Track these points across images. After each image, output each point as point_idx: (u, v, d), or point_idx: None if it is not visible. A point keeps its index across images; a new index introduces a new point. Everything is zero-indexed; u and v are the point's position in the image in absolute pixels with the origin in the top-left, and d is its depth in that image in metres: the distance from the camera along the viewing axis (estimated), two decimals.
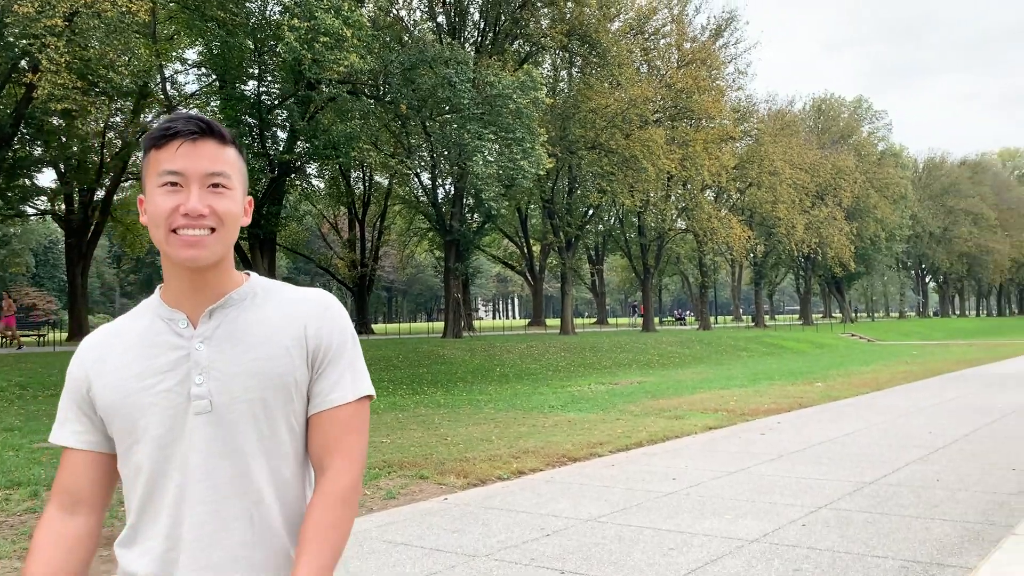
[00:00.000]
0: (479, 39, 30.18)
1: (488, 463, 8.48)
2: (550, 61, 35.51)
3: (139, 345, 1.47)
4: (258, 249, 25.51)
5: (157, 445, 1.43)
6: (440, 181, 31.51)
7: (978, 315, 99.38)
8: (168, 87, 26.35)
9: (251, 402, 1.43)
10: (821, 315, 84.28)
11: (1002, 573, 4.68)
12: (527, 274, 49.75)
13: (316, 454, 1.49)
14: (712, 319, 62.71)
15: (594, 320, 62.96)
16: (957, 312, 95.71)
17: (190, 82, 46.32)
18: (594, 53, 29.92)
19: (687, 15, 40.24)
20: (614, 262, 71.55)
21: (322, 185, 37.47)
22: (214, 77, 25.81)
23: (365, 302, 40.35)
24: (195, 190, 1.39)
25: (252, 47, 23.27)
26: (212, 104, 26.23)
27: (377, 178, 39.41)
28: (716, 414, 12.99)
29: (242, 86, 24.70)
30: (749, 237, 41.02)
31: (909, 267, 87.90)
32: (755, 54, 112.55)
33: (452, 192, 29.81)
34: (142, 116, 29.00)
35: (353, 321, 1.65)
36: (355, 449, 1.49)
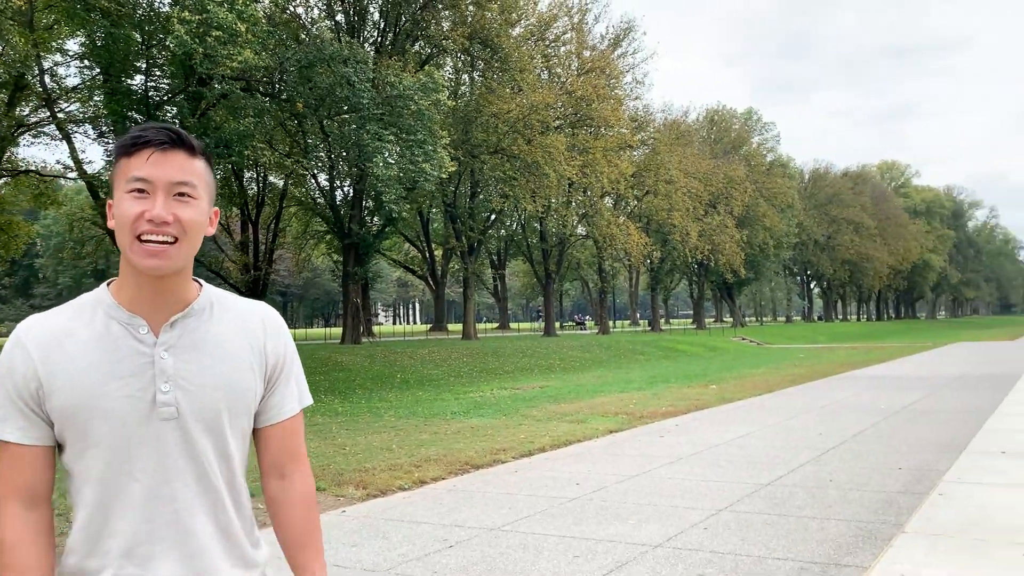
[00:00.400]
0: (379, 39, 29.74)
1: (388, 473, 8.23)
2: (451, 64, 35.34)
3: (97, 348, 1.47)
4: None
5: (118, 448, 1.46)
6: (338, 183, 30.87)
7: (859, 320, 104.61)
8: (47, 79, 24.83)
9: (217, 412, 1.52)
10: (713, 319, 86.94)
11: (894, 571, 4.79)
12: (428, 279, 49.38)
13: (274, 460, 1.65)
14: (611, 323, 63.74)
15: (496, 325, 63.08)
16: (840, 317, 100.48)
17: (71, 75, 43.88)
18: (496, 57, 29.93)
19: (587, 24, 40.87)
20: (516, 267, 71.89)
21: None
22: (98, 70, 24.44)
23: None
24: (161, 198, 1.44)
25: (139, 40, 22.19)
26: (96, 99, 24.85)
27: (272, 178, 38.29)
28: (616, 417, 13.08)
29: (128, 80, 23.49)
30: (647, 243, 41.90)
31: (795, 273, 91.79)
32: (652, 64, 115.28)
33: (351, 194, 29.21)
34: (17, 109, 27.26)
35: None
36: (305, 452, 1.71)
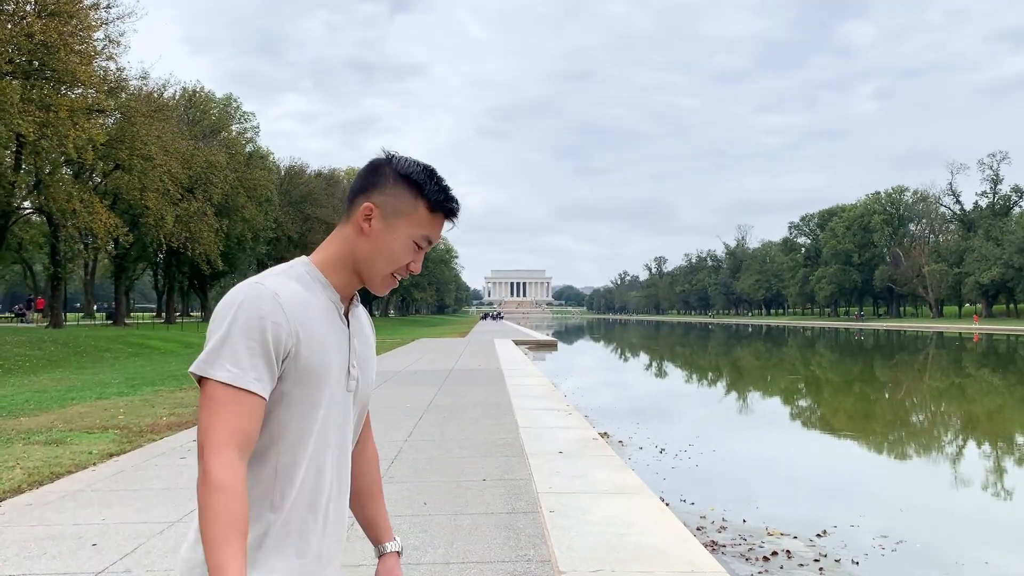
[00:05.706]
0: None
1: None
2: None
3: (327, 321, 1.58)
4: None
5: (328, 411, 1.57)
6: None
7: None
8: None
9: (371, 388, 1.74)
10: (179, 314, 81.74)
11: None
12: None
13: (358, 428, 1.79)
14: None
15: None
16: None
17: None
18: None
19: None
20: None
21: None
22: None
23: None
24: (422, 256, 1.64)
25: None
26: None
27: None
28: (108, 434, 10.35)
29: None
30: (116, 224, 36.66)
31: (269, 267, 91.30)
32: (130, 24, 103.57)
33: None
34: None
35: None
36: None
